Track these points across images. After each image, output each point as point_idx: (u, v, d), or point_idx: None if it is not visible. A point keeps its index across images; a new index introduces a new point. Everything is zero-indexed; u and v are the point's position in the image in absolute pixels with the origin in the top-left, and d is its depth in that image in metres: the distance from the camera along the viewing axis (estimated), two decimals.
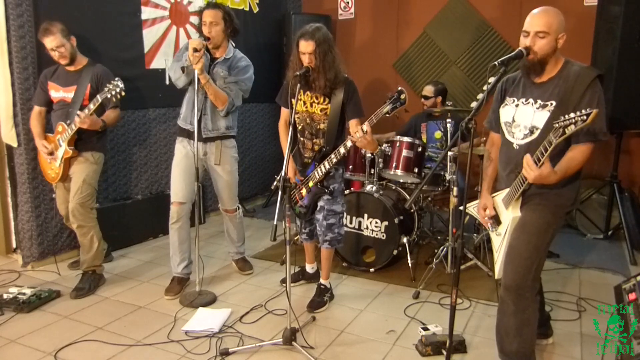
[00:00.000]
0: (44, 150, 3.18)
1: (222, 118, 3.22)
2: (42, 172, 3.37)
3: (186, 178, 3.14)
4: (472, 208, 2.49)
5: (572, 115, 1.80)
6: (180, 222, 3.16)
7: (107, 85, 2.91)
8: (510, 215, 2.20)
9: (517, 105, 2.19)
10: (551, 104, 2.07)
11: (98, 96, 2.95)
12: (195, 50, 2.87)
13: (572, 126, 1.79)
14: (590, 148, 2.03)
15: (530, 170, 1.96)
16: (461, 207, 2.39)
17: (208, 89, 3.02)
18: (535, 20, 2.05)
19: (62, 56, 3.10)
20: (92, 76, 3.14)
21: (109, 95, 2.90)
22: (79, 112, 2.99)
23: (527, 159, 1.98)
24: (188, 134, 3.17)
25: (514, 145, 2.18)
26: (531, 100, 2.14)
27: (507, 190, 2.22)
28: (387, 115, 2.48)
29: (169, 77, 3.18)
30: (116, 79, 2.93)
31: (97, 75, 3.16)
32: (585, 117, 1.76)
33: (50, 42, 3.04)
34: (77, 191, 3.14)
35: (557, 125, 1.85)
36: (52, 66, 3.24)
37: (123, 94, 2.92)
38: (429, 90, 4.15)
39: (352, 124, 2.78)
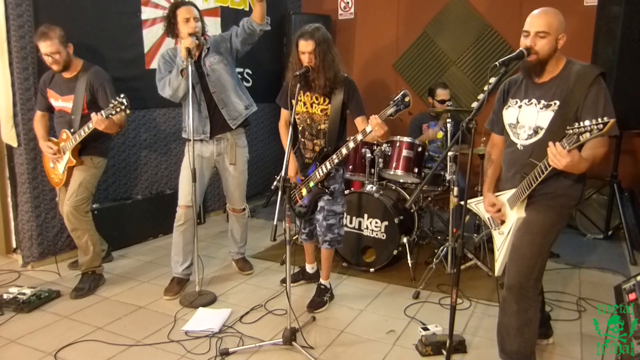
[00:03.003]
0: (50, 151, 3.16)
1: (237, 102, 3.22)
2: (46, 175, 3.36)
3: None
4: (474, 204, 2.48)
5: (587, 123, 1.76)
6: (186, 225, 3.15)
7: (112, 101, 2.84)
8: (515, 215, 2.20)
9: (520, 107, 2.19)
10: (555, 103, 2.07)
11: (103, 112, 2.87)
12: (189, 50, 2.85)
13: (587, 134, 1.76)
14: (608, 139, 2.01)
15: (561, 157, 1.85)
16: (462, 203, 2.38)
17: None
18: (536, 20, 2.06)
19: (55, 62, 3.03)
20: (86, 85, 3.09)
21: (113, 112, 2.84)
22: (93, 114, 2.90)
23: (553, 147, 1.87)
24: (200, 140, 3.17)
25: (519, 146, 2.18)
26: (534, 101, 2.14)
27: (511, 190, 2.21)
28: (391, 117, 2.48)
29: (166, 94, 3.11)
30: (121, 95, 2.83)
31: (90, 83, 3.10)
32: (601, 127, 1.72)
33: (46, 47, 2.97)
34: (72, 194, 3.13)
35: (570, 132, 1.80)
36: (49, 71, 3.19)
37: (128, 112, 2.84)
38: (445, 94, 4.17)
39: (359, 121, 2.77)
